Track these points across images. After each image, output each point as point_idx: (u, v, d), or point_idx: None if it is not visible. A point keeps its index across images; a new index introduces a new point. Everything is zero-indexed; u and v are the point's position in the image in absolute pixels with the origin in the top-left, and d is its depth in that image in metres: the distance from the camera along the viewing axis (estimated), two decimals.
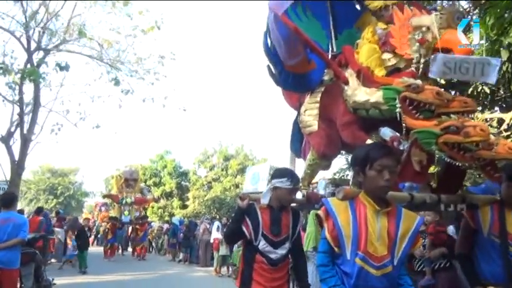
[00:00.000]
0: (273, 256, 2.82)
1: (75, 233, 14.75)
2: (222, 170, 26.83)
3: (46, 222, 11.06)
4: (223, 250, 11.24)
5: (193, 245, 14.93)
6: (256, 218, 2.86)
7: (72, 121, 13.00)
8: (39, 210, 10.24)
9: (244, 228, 2.87)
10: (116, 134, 16.40)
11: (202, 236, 13.96)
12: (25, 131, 11.39)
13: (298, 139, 3.54)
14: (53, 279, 6.98)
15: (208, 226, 14.07)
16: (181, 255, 15.12)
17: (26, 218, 5.40)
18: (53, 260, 13.41)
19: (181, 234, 15.57)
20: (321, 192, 3.68)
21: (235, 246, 11.44)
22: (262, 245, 2.82)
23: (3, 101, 11.75)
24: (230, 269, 11.21)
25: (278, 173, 2.92)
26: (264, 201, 2.91)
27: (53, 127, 12.94)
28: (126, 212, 17.06)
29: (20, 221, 5.10)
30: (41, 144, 12.33)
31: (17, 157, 11.38)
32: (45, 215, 11.45)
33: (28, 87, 12.03)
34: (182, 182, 28.33)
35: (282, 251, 2.85)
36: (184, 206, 25.77)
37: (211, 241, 12.24)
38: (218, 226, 12.24)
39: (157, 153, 28.50)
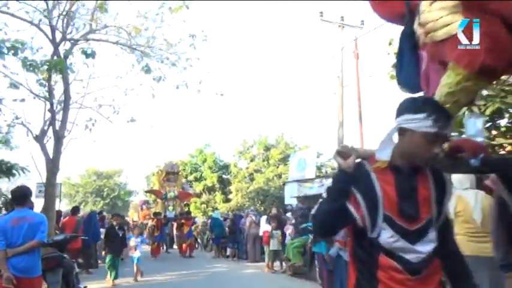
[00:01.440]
0: (410, 257, 1.55)
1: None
2: (263, 160, 25.78)
3: (89, 222, 10.45)
4: (275, 244, 10.13)
5: (240, 239, 13.97)
6: (372, 188, 1.58)
7: (105, 116, 12.44)
8: (75, 210, 9.61)
9: (351, 209, 1.60)
10: (152, 127, 15.13)
11: (250, 230, 12.95)
12: (57, 128, 10.77)
13: (414, 67, 2.10)
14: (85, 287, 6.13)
15: (254, 218, 13.04)
16: (228, 251, 14.20)
17: (44, 216, 4.51)
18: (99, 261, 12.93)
19: (227, 229, 14.69)
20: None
21: (288, 238, 10.34)
22: (387, 237, 1.56)
23: (34, 98, 11.25)
24: (284, 264, 10.09)
25: (410, 105, 1.60)
26: (383, 156, 1.61)
27: (87, 123, 12.44)
28: (170, 207, 16.45)
29: (36, 220, 4.22)
30: (75, 140, 11.71)
31: (51, 156, 10.81)
32: (92, 216, 10.89)
33: (58, 85, 11.51)
34: (223, 175, 27.58)
35: (425, 247, 1.56)
36: (227, 200, 24.99)
37: (260, 234, 11.17)
38: (267, 218, 11.14)
39: (196, 147, 27.92)
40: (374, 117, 32.01)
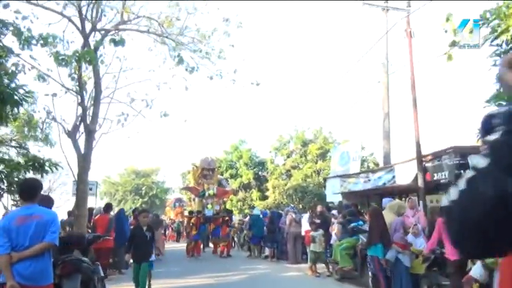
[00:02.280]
0: None
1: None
2: (301, 156, 24.79)
3: (118, 220, 9.98)
4: (317, 246, 9.19)
5: (279, 238, 13.11)
6: None
7: (138, 110, 12.03)
8: (107, 207, 9.12)
9: None
10: (186, 122, 14.59)
11: (290, 229, 12.08)
12: (88, 122, 10.39)
13: None
14: None
15: (294, 216, 12.15)
16: (266, 251, 13.38)
17: (55, 214, 3.85)
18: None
19: (265, 228, 13.90)
20: None
21: (334, 239, 9.38)
22: None
23: (65, 92, 10.95)
24: (330, 267, 9.13)
25: None
26: None
27: (119, 117, 12.05)
28: (209, 206, 15.91)
29: (46, 218, 3.56)
30: (107, 135, 11.35)
31: (83, 151, 10.45)
32: (120, 213, 10.40)
33: (89, 79, 11.17)
34: (259, 172, 26.84)
35: None
36: (264, 197, 24.21)
37: (303, 234, 10.27)
38: (310, 216, 10.23)
39: (231, 144, 27.31)
40: (428, 103, 29.99)
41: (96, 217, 9.14)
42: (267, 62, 70.01)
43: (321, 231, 9.30)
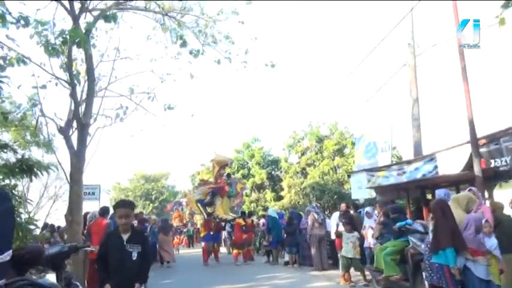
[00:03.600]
0: None
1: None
2: (316, 153, 23.28)
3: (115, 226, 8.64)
4: (350, 250, 7.72)
5: (300, 241, 11.66)
6: None
7: (139, 103, 10.79)
8: (103, 211, 7.77)
9: None
10: (193, 116, 13.11)
11: (312, 231, 10.65)
12: (81, 115, 9.11)
13: None
14: None
15: (316, 216, 10.71)
16: (286, 256, 11.92)
17: None
18: None
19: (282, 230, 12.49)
20: None
21: (372, 242, 7.92)
22: None
23: (56, 84, 9.70)
24: (368, 274, 7.67)
25: None
26: None
27: (117, 111, 10.80)
28: (244, 206, 14.52)
29: None
30: (102, 129, 10.06)
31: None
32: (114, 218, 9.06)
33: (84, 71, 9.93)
34: (273, 172, 25.39)
35: None
36: (278, 198, 22.75)
37: (332, 237, 8.82)
38: (341, 216, 8.79)
39: (243, 142, 25.90)
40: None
41: (91, 223, 7.81)
42: (279, 50, 67.71)
43: (355, 234, 7.85)
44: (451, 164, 8.20)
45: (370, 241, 8.07)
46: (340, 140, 23.02)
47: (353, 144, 22.71)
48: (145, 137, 69.83)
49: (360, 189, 12.32)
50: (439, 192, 5.86)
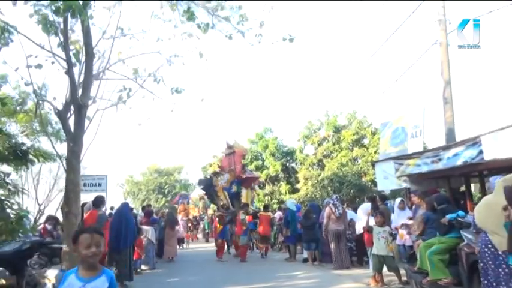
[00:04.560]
0: None
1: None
2: (334, 143, 22.12)
3: (119, 218, 7.77)
4: (382, 247, 6.63)
5: (318, 236, 10.61)
6: None
7: (145, 86, 9.88)
8: (97, 201, 6.85)
9: None
10: (203, 101, 11.97)
11: (329, 225, 9.61)
12: (78, 95, 8.21)
13: None
14: None
15: (333, 209, 9.64)
16: (304, 253, 10.88)
17: None
18: (143, 267, 10.31)
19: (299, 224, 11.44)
20: None
21: (409, 238, 6.86)
22: None
23: (52, 63, 8.82)
24: (404, 274, 6.59)
25: None
26: None
27: (120, 93, 9.89)
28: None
29: None
30: (103, 112, 9.17)
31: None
32: (123, 209, 8.13)
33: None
34: (287, 164, 24.32)
35: None
36: (294, 190, 21.69)
37: (360, 231, 7.75)
38: (368, 209, 7.71)
39: (256, 132, 24.87)
40: None
41: (86, 214, 6.92)
42: (294, 32, 65.89)
43: (387, 228, 6.76)
44: (499, 149, 7.04)
45: (406, 237, 7.00)
46: (359, 130, 21.83)
47: (373, 134, 21.50)
48: (156, 128, 69.50)
49: (385, 180, 11.16)
50: (494, 179, 4.76)
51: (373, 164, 13.98)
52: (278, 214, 13.73)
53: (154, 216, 12.04)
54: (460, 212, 5.07)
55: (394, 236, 7.14)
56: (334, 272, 8.67)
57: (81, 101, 8.19)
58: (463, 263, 4.85)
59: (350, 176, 18.60)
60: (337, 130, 22.45)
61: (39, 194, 23.15)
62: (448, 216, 5.06)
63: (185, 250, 16.53)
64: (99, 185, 14.35)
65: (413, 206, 7.44)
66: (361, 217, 7.98)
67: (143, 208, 12.13)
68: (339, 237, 9.47)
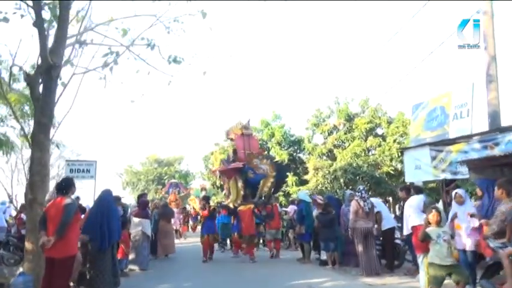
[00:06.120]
0: None
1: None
2: (345, 132, 20.41)
3: (97, 210, 6.11)
4: (444, 254, 4.86)
5: (338, 235, 8.98)
6: None
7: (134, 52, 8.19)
8: (63, 186, 5.15)
9: None
10: (205, 74, 10.19)
11: (356, 223, 7.95)
12: (47, 53, 6.51)
13: None
14: None
15: (362, 204, 7.99)
16: (323, 255, 9.23)
17: None
18: (131, 267, 8.70)
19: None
20: None
21: (470, 242, 5.20)
22: None
23: (22, 17, 7.12)
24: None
25: None
26: None
27: (106, 57, 8.20)
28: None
29: None
30: (79, 76, 7.50)
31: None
32: (104, 199, 6.43)
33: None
34: (294, 153, 22.66)
35: None
36: (302, 182, 20.04)
37: (406, 232, 6.06)
38: (423, 201, 6.02)
39: (262, 119, 23.14)
40: None
41: (48, 204, 5.25)
42: (301, 12, 63.04)
43: (446, 229, 5.08)
44: None
45: (465, 241, 5.36)
46: (373, 119, 20.11)
47: (389, 123, 19.81)
48: (156, 117, 67.71)
49: (417, 170, 9.52)
50: None
51: (401, 152, 12.31)
52: (292, 208, 12.01)
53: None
54: None
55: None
56: (365, 281, 7.03)
57: (52, 60, 6.49)
58: None
59: (366, 167, 16.93)
60: (350, 118, 20.74)
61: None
62: None
63: (182, 245, 14.98)
64: (88, 171, 12.64)
65: (476, 200, 5.79)
66: (412, 215, 6.27)
67: (139, 197, 10.50)
68: (367, 237, 7.84)
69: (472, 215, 5.55)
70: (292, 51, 63.93)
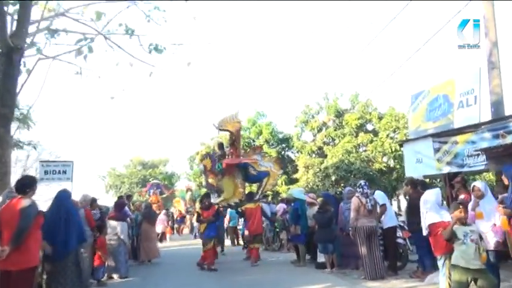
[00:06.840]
0: None
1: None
2: (335, 129, 19.88)
3: (57, 210, 5.28)
4: (472, 257, 4.09)
5: (336, 235, 8.31)
6: None
7: (100, 30, 7.40)
8: (22, 186, 4.32)
9: None
10: (190, 64, 9.42)
11: (358, 221, 7.28)
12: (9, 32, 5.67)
13: None
14: None
15: (364, 201, 7.33)
16: (321, 257, 8.53)
17: None
18: (111, 275, 7.85)
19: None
20: None
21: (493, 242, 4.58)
22: None
23: None
24: None
25: None
26: None
27: (79, 43, 7.39)
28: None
29: None
30: (46, 61, 6.67)
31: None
32: (62, 198, 5.58)
33: None
34: (283, 152, 22.02)
35: None
36: (291, 181, 19.40)
37: (425, 232, 5.36)
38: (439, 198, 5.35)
39: (248, 117, 22.44)
40: None
41: (2, 207, 4.40)
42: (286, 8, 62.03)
43: (474, 227, 4.44)
44: None
45: (490, 240, 4.74)
46: (363, 114, 19.63)
47: (379, 119, 19.34)
48: (140, 119, 66.32)
49: (418, 163, 8.95)
50: None
51: (401, 145, 11.74)
52: (281, 206, 11.34)
53: (127, 208, 9.53)
54: None
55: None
56: (368, 285, 6.37)
57: (12, 42, 5.64)
58: None
59: (358, 164, 16.38)
60: (339, 114, 20.22)
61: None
62: None
63: (167, 248, 14.14)
64: (64, 172, 11.71)
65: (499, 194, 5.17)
66: (430, 211, 5.60)
67: (119, 198, 9.63)
68: (369, 237, 7.20)
69: (501, 202, 4.85)
70: (279, 47, 63.35)
